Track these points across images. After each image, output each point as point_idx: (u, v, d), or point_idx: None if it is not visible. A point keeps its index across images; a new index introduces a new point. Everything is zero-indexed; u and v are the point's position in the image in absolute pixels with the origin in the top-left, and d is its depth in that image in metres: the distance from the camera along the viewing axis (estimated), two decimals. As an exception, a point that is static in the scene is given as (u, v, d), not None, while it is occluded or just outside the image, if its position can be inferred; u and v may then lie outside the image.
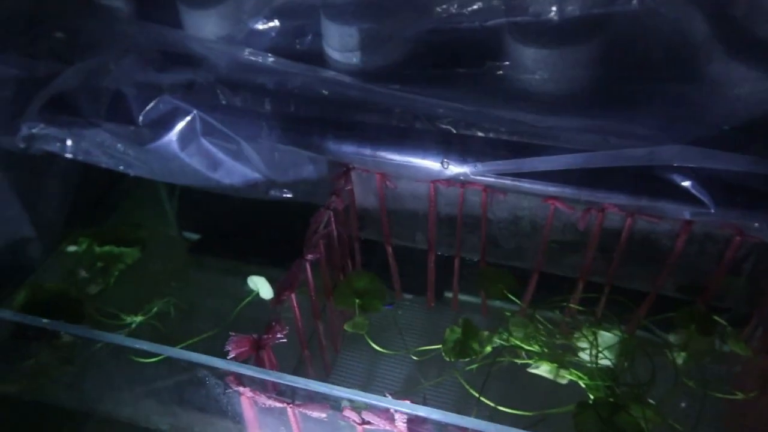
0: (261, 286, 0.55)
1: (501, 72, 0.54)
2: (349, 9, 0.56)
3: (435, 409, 0.34)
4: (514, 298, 0.54)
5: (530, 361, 0.49)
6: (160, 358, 0.44)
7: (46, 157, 0.58)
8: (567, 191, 0.47)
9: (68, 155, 0.56)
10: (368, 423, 0.37)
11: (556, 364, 0.49)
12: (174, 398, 0.42)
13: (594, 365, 0.49)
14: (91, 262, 0.58)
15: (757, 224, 0.44)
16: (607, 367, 0.49)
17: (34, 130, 0.56)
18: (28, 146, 0.56)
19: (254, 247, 0.67)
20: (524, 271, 0.56)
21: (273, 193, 0.57)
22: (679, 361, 0.49)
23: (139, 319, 0.53)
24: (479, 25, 0.58)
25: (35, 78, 0.57)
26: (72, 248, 0.60)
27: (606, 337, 0.50)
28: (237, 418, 0.40)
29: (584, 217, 0.49)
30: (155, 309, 0.54)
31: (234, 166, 0.58)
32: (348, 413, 0.37)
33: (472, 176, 0.48)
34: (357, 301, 0.54)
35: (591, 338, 0.50)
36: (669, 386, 0.46)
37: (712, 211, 0.43)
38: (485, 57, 0.59)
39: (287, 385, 0.37)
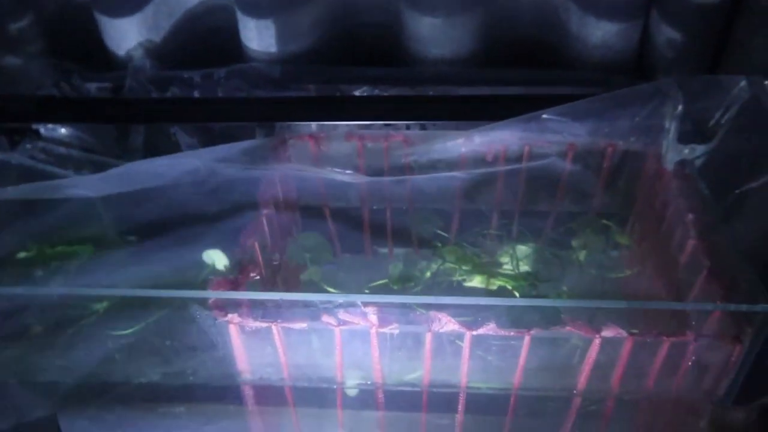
0: (217, 259, 0.62)
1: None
2: (263, 3, 0.65)
3: (399, 296, 0.43)
4: (442, 233, 0.64)
5: (464, 277, 0.59)
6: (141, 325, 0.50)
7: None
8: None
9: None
10: (345, 323, 0.45)
11: (486, 275, 0.59)
12: (165, 345, 0.48)
13: (516, 271, 0.60)
14: (46, 263, 0.62)
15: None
16: (527, 272, 0.60)
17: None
18: None
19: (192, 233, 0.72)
20: (447, 212, 0.66)
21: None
22: (581, 258, 0.61)
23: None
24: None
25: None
26: (22, 254, 0.63)
27: (522, 250, 0.62)
28: (226, 349, 0.47)
29: (490, 150, 0.60)
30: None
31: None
32: (326, 318, 0.45)
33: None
34: (307, 255, 0.62)
35: (511, 252, 0.61)
36: (576, 276, 0.58)
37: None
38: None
39: (270, 305, 0.44)
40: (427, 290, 0.58)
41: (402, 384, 0.49)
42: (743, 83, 0.49)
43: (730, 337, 0.43)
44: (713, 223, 0.50)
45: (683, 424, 0.50)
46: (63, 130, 0.64)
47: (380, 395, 0.50)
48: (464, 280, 0.59)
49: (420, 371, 0.48)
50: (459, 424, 0.50)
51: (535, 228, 0.65)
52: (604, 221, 0.63)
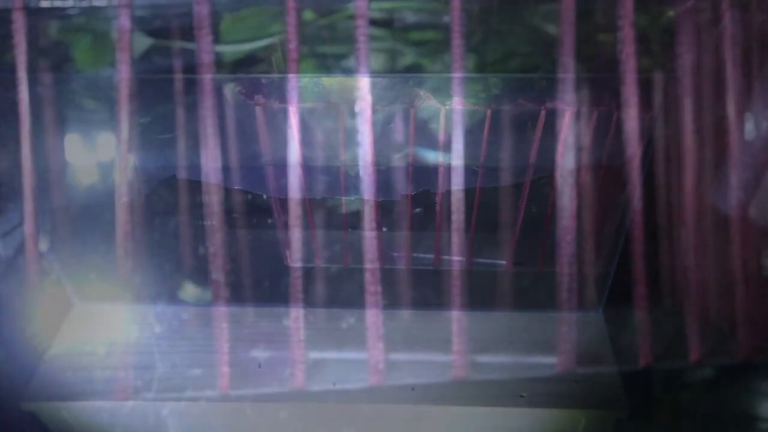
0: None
1: None
2: None
3: (390, 74, 0.57)
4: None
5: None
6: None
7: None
8: None
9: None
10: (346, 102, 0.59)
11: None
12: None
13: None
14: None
15: None
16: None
17: None
18: None
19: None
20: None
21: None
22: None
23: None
24: None
25: None
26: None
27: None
28: (252, 129, 0.61)
29: None
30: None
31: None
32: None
33: None
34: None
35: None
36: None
37: None
38: None
39: (288, 88, 0.59)
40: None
41: (392, 162, 0.64)
42: None
43: (643, 105, 0.58)
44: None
45: (611, 195, 0.66)
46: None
47: (375, 173, 0.65)
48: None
49: (406, 149, 0.63)
50: (439, 197, 0.66)
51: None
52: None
